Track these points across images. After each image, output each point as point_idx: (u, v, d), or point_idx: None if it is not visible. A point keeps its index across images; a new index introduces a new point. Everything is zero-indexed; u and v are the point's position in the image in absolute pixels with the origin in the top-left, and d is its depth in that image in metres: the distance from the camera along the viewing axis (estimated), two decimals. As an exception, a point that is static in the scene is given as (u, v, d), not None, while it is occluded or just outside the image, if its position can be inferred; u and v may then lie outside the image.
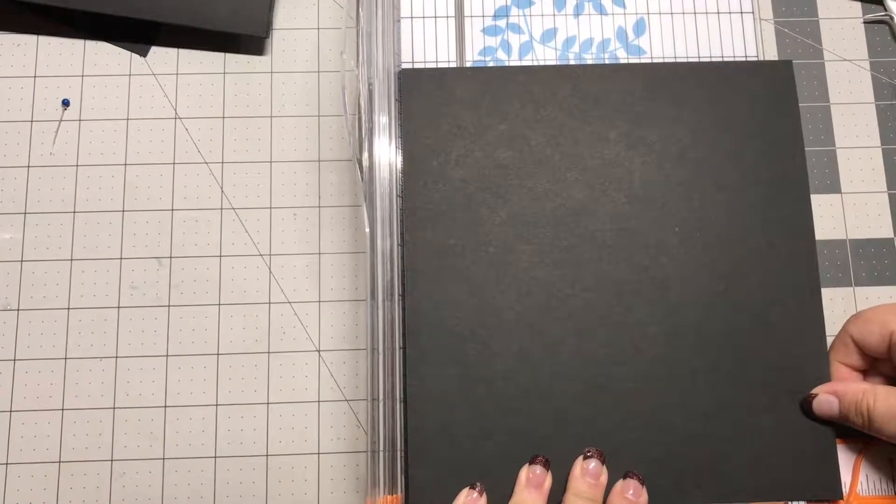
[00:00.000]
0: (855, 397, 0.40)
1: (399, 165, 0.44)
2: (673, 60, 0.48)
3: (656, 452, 0.41)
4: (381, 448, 0.41)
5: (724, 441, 0.41)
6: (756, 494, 0.41)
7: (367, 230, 0.42)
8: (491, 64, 0.47)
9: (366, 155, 0.43)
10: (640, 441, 0.41)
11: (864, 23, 0.49)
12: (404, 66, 0.47)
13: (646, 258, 0.43)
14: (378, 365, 0.42)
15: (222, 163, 0.46)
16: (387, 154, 0.43)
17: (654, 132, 0.45)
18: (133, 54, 0.48)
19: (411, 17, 0.48)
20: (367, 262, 0.42)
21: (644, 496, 0.40)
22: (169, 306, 0.44)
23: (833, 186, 0.47)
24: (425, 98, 0.45)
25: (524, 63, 0.48)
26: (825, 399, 0.41)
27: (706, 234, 0.44)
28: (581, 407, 0.42)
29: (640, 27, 0.48)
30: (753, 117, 0.45)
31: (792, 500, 0.41)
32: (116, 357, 0.44)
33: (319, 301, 0.45)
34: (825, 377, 0.42)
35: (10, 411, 0.43)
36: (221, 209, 0.46)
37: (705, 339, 0.43)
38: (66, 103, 0.47)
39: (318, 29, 0.48)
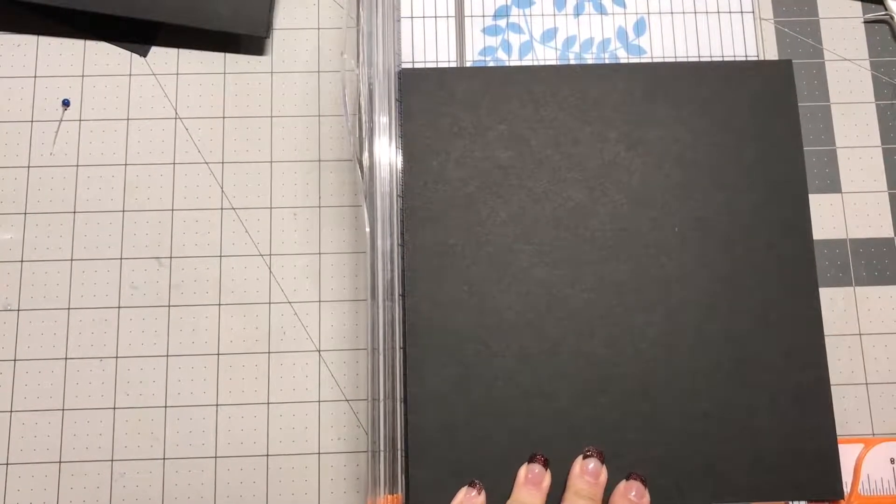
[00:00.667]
0: None
1: (399, 165, 0.44)
2: (673, 60, 0.48)
3: (656, 452, 0.41)
4: (381, 448, 0.41)
5: (724, 441, 0.41)
6: (756, 494, 0.41)
7: (368, 230, 0.42)
8: (491, 64, 0.47)
9: (366, 155, 0.43)
10: (640, 441, 0.41)
11: (864, 23, 0.49)
12: (404, 66, 0.47)
13: (645, 258, 0.43)
14: (378, 365, 0.42)
15: (222, 163, 0.46)
16: (387, 154, 0.43)
17: (653, 132, 0.45)
18: (133, 54, 0.48)
19: (411, 17, 0.48)
20: (367, 262, 0.42)
21: (646, 498, 0.40)
22: (169, 306, 0.44)
23: (833, 186, 0.47)
24: (425, 98, 0.45)
25: (524, 63, 0.48)
26: None
27: (705, 234, 0.44)
28: (581, 407, 0.42)
29: (640, 27, 0.48)
30: (753, 117, 0.45)
31: (793, 500, 0.41)
32: (116, 357, 0.44)
33: (319, 301, 0.45)
34: (824, 376, 0.42)
35: (11, 411, 0.43)
36: (221, 209, 0.46)
37: (705, 339, 0.43)
38: (66, 103, 0.47)
39: (318, 29, 0.48)
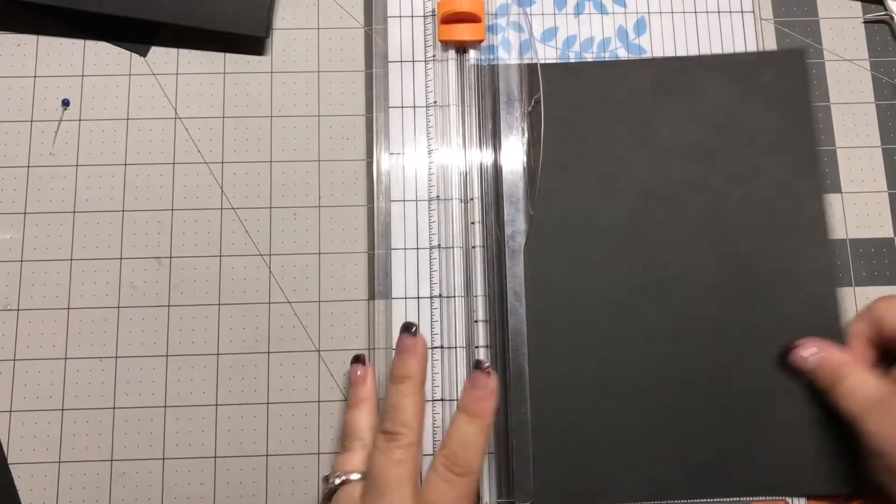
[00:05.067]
0: (833, 361, 0.40)
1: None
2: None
3: (670, 450, 0.41)
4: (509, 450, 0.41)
5: (737, 437, 0.41)
6: (767, 489, 0.41)
7: (473, 222, 0.42)
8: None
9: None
10: (654, 439, 0.41)
11: (864, 23, 0.49)
12: (403, 64, 0.47)
13: (656, 255, 0.43)
14: (377, 364, 0.42)
15: (222, 163, 0.46)
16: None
17: (664, 127, 0.45)
18: (133, 54, 0.48)
19: (412, 17, 0.48)
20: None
21: (493, 382, 0.39)
22: (169, 306, 0.44)
23: (833, 186, 0.47)
24: None
25: (524, 62, 0.47)
26: (807, 350, 0.41)
27: (719, 228, 0.43)
28: (590, 401, 0.42)
29: (640, 26, 0.48)
30: (767, 109, 0.45)
31: (798, 496, 0.41)
32: (116, 357, 0.44)
33: (319, 301, 0.45)
34: None
35: (10, 411, 0.43)
36: (221, 209, 0.46)
37: (720, 335, 0.42)
38: (65, 103, 0.47)
39: (318, 29, 0.48)
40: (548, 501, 0.41)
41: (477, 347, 0.42)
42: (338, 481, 0.38)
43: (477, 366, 0.39)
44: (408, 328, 0.41)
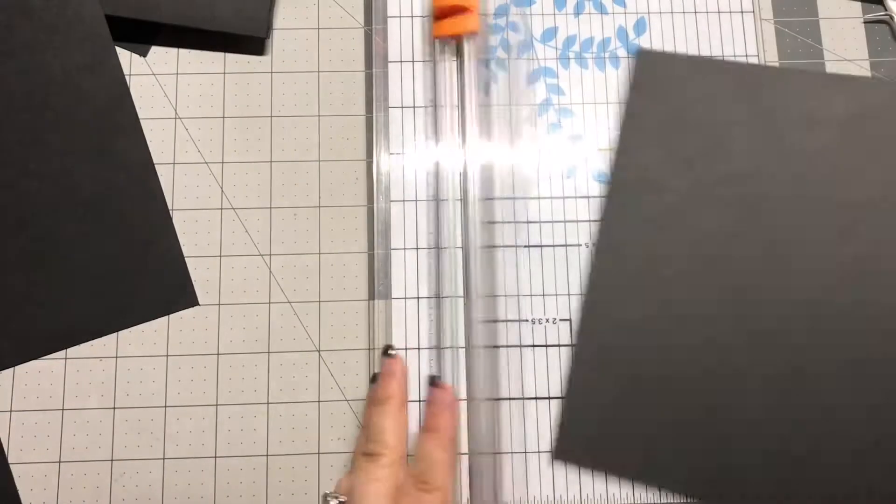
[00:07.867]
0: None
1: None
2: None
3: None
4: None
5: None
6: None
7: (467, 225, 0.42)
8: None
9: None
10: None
11: (864, 23, 0.49)
12: (403, 64, 0.47)
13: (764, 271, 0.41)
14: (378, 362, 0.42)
15: (222, 163, 0.46)
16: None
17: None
18: (133, 54, 0.48)
19: (411, 17, 0.48)
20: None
21: (448, 396, 0.41)
22: (169, 306, 0.45)
23: (833, 186, 0.47)
24: None
25: (522, 60, 0.48)
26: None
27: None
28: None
29: (640, 26, 0.48)
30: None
31: None
32: (116, 357, 0.44)
33: (319, 301, 0.45)
34: None
35: (10, 411, 0.43)
36: (221, 209, 0.46)
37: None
38: (65, 103, 0.47)
39: (318, 29, 0.48)
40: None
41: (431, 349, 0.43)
42: (334, 502, 0.38)
43: (431, 382, 0.41)
44: (385, 351, 0.42)
